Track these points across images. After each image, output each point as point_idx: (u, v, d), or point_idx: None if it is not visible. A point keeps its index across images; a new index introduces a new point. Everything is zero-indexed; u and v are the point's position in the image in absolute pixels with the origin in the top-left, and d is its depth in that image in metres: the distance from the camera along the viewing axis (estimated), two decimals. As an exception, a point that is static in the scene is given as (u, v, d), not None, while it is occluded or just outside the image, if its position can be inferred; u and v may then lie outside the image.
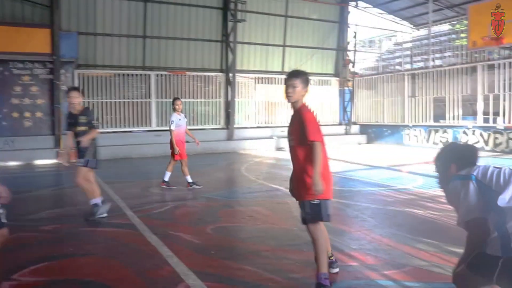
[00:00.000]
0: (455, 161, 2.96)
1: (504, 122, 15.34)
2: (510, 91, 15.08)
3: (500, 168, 2.68)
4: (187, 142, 9.49)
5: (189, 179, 9.04)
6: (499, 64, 15.38)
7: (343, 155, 15.46)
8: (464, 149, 3.04)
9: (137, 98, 16.95)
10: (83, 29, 15.88)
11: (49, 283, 4.04)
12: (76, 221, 6.34)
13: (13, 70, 14.59)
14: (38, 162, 13.89)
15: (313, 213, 3.73)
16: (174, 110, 9.13)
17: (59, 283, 4.04)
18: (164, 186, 8.97)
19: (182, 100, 17.37)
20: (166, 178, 9.04)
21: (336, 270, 4.11)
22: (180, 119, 9.08)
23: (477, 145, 15.42)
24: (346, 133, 21.00)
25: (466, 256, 2.67)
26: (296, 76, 3.78)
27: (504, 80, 15.15)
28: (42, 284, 4.01)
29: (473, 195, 2.65)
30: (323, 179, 3.58)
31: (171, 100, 17.22)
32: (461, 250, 4.68)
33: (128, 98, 16.74)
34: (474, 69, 16.47)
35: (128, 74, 16.79)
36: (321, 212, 3.71)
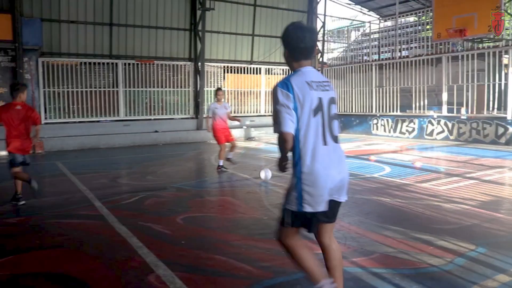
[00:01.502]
0: (286, 46, 2.95)
1: (467, 112, 15.77)
2: (473, 82, 15.49)
3: (312, 89, 2.78)
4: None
5: (221, 163, 9.70)
6: (462, 56, 15.75)
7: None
8: (293, 36, 2.89)
9: (104, 87, 16.62)
10: (46, 16, 15.39)
11: (17, 277, 3.95)
12: (42, 213, 6.21)
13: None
14: (2, 153, 13.47)
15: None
16: (217, 100, 9.80)
17: (26, 276, 3.95)
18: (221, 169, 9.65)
19: (149, 89, 17.38)
20: (221, 163, 9.73)
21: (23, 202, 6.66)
22: (217, 108, 9.65)
23: (442, 134, 15.93)
24: (315, 123, 21.12)
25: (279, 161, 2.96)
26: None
27: (468, 72, 15.55)
28: (9, 278, 3.92)
29: (284, 110, 2.73)
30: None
31: (139, 89, 17.24)
32: (426, 237, 4.85)
33: (95, 87, 16.39)
34: (439, 60, 16.83)
35: (94, 63, 16.42)
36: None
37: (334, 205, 2.95)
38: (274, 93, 2.78)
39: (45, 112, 15.38)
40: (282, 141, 2.77)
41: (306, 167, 2.76)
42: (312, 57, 3.02)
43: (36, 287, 3.73)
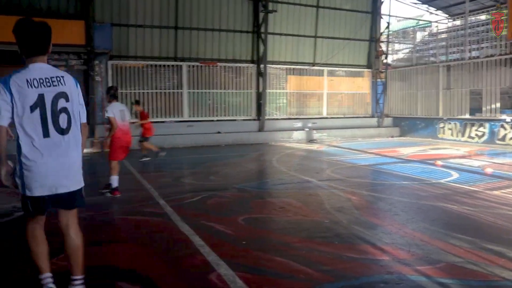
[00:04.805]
0: (16, 42, 3.14)
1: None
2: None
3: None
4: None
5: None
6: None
7: (376, 148, 15.27)
8: (20, 32, 3.11)
9: (169, 89, 17.12)
10: (116, 21, 16.10)
11: (85, 269, 4.13)
12: (110, 209, 6.48)
13: (49, 61, 14.83)
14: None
15: None
16: None
17: (92, 269, 4.12)
18: None
19: (213, 91, 17.70)
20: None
21: None
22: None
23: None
24: (379, 126, 20.69)
25: None
26: None
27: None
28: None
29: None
30: None
31: (202, 91, 17.60)
32: (498, 248, 4.59)
33: (160, 89, 16.93)
34: (513, 61, 15.96)
35: (160, 65, 16.96)
36: None
37: (64, 193, 3.17)
38: None
39: (114, 112, 16.02)
40: None
41: (23, 156, 3.01)
42: (46, 53, 3.30)
43: (103, 280, 3.89)
